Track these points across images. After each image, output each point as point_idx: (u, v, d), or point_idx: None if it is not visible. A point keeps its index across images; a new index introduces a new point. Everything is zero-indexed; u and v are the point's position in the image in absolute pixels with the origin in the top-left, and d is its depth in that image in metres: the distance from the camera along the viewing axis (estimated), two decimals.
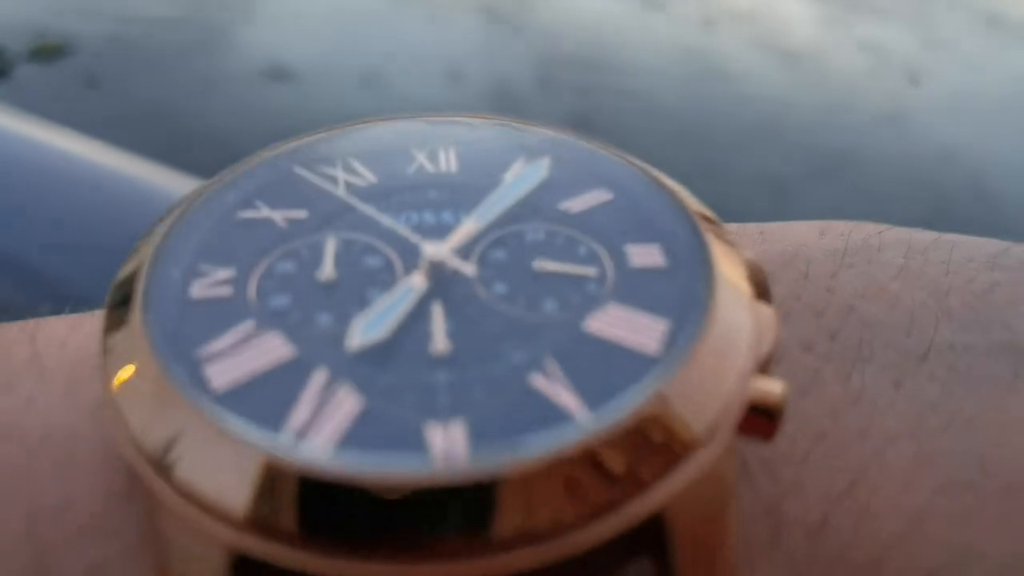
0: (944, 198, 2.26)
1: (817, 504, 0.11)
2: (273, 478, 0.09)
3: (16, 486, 0.11)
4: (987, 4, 4.56)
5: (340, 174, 0.12)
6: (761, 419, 0.10)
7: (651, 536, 0.10)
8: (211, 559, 0.09)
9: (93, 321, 0.13)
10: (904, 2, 4.36)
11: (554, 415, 0.09)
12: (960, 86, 3.22)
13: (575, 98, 2.53)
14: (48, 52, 2.46)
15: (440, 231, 0.11)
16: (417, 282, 0.11)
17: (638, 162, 0.15)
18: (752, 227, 0.17)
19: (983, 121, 2.89)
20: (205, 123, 2.13)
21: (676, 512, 0.10)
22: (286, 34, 2.80)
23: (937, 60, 3.48)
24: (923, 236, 0.16)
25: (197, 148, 1.96)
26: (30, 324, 0.13)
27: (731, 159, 2.23)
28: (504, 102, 2.43)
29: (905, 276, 0.14)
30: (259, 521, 0.09)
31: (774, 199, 2.08)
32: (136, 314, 0.10)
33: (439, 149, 0.13)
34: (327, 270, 0.11)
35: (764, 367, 0.11)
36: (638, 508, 0.09)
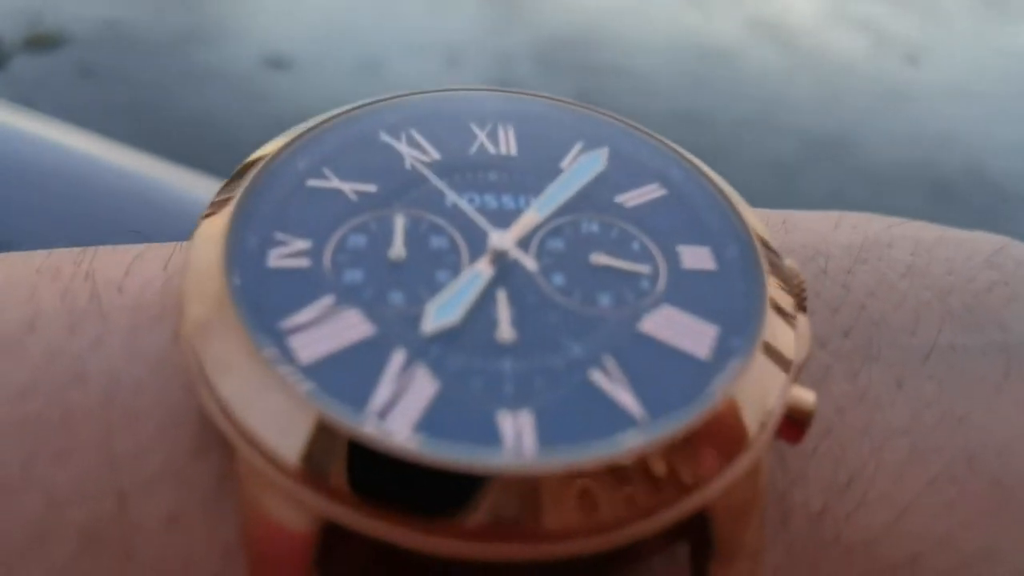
0: (943, 180, 2.26)
1: (819, 493, 0.13)
2: (358, 456, 0.09)
3: (95, 430, 0.11)
4: None
5: (404, 147, 0.13)
6: (793, 425, 0.11)
7: (691, 525, 0.11)
8: (300, 522, 0.10)
9: (144, 267, 0.13)
10: None
11: (615, 415, 0.10)
12: (959, 66, 3.21)
13: (573, 80, 2.52)
14: (43, 42, 2.45)
15: (502, 216, 0.12)
16: (483, 268, 0.11)
17: (691, 157, 0.15)
18: (775, 216, 0.17)
19: (982, 102, 2.88)
20: (203, 113, 2.12)
21: (718, 507, 0.10)
22: (283, 22, 2.78)
23: (936, 40, 3.47)
24: (929, 232, 0.17)
25: (195, 138, 1.96)
26: (84, 258, 0.13)
27: (730, 141, 2.23)
28: (503, 86, 2.40)
29: (912, 275, 0.15)
30: (343, 493, 0.09)
31: (774, 182, 2.08)
32: (219, 280, 0.10)
33: (499, 127, 0.14)
34: (397, 248, 0.11)
35: (797, 374, 0.12)
36: (685, 507, 0.10)
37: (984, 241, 0.17)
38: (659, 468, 0.10)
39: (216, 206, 0.12)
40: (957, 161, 2.37)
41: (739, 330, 0.11)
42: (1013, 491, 0.13)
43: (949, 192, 2.22)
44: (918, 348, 0.14)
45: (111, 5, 2.80)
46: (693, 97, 2.50)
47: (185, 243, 0.14)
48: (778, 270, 0.12)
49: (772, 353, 0.11)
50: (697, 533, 0.11)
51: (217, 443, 0.11)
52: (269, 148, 0.13)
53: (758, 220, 0.14)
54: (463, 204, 0.12)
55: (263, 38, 2.61)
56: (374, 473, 0.09)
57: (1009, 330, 0.14)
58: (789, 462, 0.13)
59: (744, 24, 3.37)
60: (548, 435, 0.10)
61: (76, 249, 0.14)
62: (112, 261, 0.13)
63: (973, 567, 0.13)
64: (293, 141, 0.13)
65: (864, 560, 0.12)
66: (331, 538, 0.10)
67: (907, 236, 0.16)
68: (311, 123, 0.13)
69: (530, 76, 2.51)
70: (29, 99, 2.09)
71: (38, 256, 0.13)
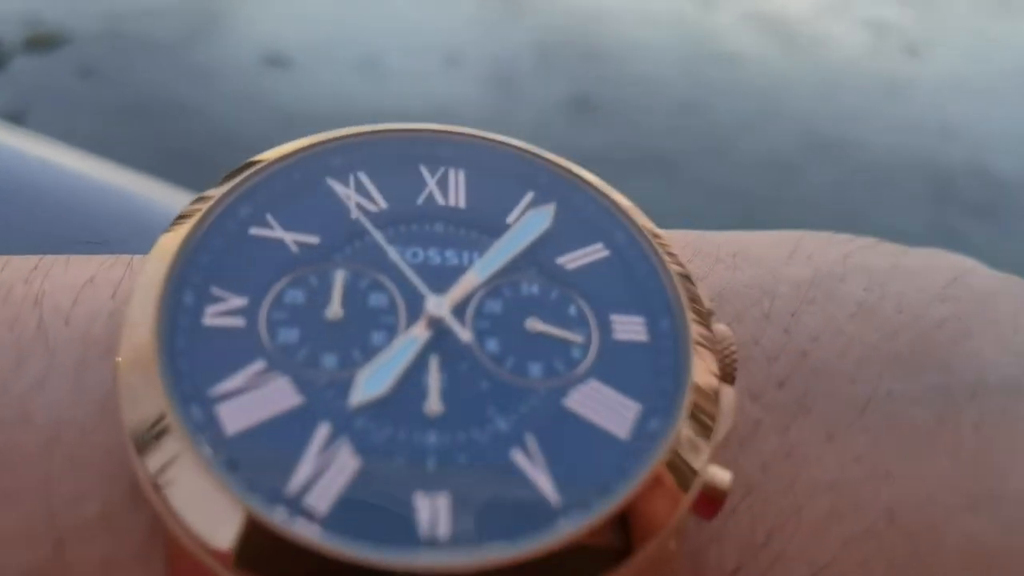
0: (944, 174, 2.25)
1: (735, 552, 0.13)
2: (267, 539, 0.10)
3: (37, 473, 0.11)
4: None
5: (352, 193, 0.13)
6: (708, 502, 0.11)
7: None
8: None
9: (94, 294, 0.13)
10: None
11: (532, 502, 0.10)
12: (960, 60, 3.20)
13: (574, 80, 2.51)
14: (43, 42, 2.45)
15: (444, 275, 0.12)
16: (419, 333, 0.11)
17: (636, 214, 0.15)
18: (729, 246, 0.16)
19: (983, 95, 2.88)
20: (202, 112, 2.12)
21: None
22: (282, 20, 2.78)
23: (936, 33, 3.46)
24: (884, 260, 0.16)
25: (194, 137, 1.96)
26: (36, 277, 0.13)
27: (732, 138, 2.22)
28: (503, 85, 2.41)
29: (861, 314, 0.15)
30: (246, 568, 0.10)
31: (776, 178, 2.08)
32: (151, 341, 0.10)
33: (450, 173, 0.13)
34: (335, 307, 0.11)
35: (716, 452, 0.12)
36: None
37: (941, 269, 0.17)
38: (571, 556, 0.10)
39: (160, 248, 0.12)
40: (958, 155, 2.36)
41: (660, 411, 0.11)
42: (930, 544, 0.13)
43: (950, 187, 2.21)
44: (855, 398, 0.14)
45: (111, 4, 2.80)
46: (693, 93, 2.50)
47: (136, 261, 0.13)
48: (708, 343, 0.12)
49: (691, 433, 0.11)
50: None
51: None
52: (217, 190, 0.13)
53: (697, 275, 0.14)
54: (405, 259, 0.12)
55: (263, 37, 2.61)
56: (292, 565, 0.09)
57: (952, 372, 0.14)
58: (705, 520, 0.13)
59: (744, 20, 3.36)
60: (463, 526, 0.10)
61: (30, 262, 0.13)
62: (62, 284, 0.13)
63: None
64: (240, 184, 0.13)
65: None
66: None
67: (861, 267, 0.16)
68: (261, 162, 0.13)
69: (530, 74, 2.50)
70: (28, 101, 2.09)
71: None
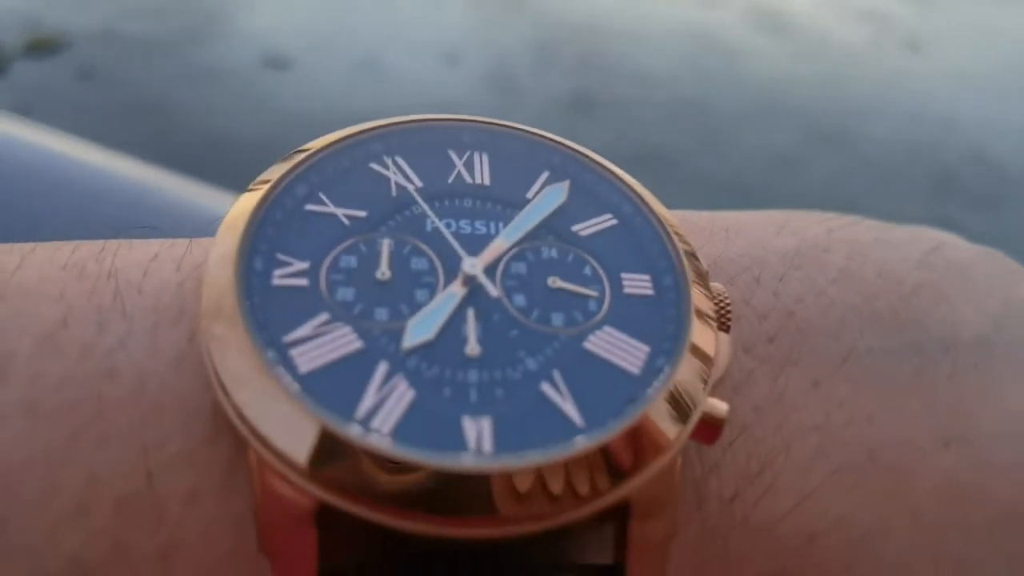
0: (946, 166, 2.25)
1: (732, 481, 0.14)
2: (349, 456, 0.12)
3: (127, 419, 0.13)
4: None
5: (391, 175, 0.15)
6: (708, 429, 0.13)
7: (615, 510, 0.13)
8: (303, 501, 0.12)
9: (160, 268, 0.14)
10: None
11: (561, 423, 0.12)
12: (960, 52, 3.20)
13: (574, 76, 2.51)
14: (43, 46, 2.45)
15: (475, 242, 0.14)
16: (456, 290, 0.13)
17: (643, 191, 0.17)
18: (723, 221, 0.18)
19: (984, 87, 2.87)
20: (203, 113, 2.12)
21: (639, 495, 0.13)
22: (282, 21, 2.78)
23: (936, 27, 3.45)
24: (868, 234, 0.18)
25: (196, 138, 1.96)
26: (106, 256, 0.14)
27: (734, 133, 2.22)
28: (502, 83, 2.41)
29: (843, 279, 0.16)
30: (337, 484, 0.12)
31: (778, 172, 2.08)
32: (232, 299, 0.12)
33: (475, 156, 0.15)
34: (383, 269, 0.13)
35: (715, 387, 0.14)
36: (614, 497, 0.12)
37: (921, 240, 0.19)
38: (593, 467, 0.12)
39: (230, 222, 0.14)
40: (959, 146, 2.36)
41: (666, 351, 0.13)
42: (907, 476, 0.15)
43: (952, 177, 2.21)
44: (837, 352, 0.15)
45: (110, 7, 2.81)
46: (694, 88, 2.49)
47: (193, 243, 0.15)
48: (704, 296, 0.14)
49: (692, 370, 0.13)
50: (621, 518, 0.13)
51: (227, 432, 0.13)
52: (274, 172, 0.15)
53: (694, 246, 0.16)
54: (441, 229, 0.14)
55: (262, 38, 2.61)
56: (360, 469, 0.11)
57: (927, 330, 0.16)
58: (707, 453, 0.14)
59: (744, 14, 3.36)
60: (504, 439, 0.12)
61: (97, 245, 0.15)
62: (131, 261, 0.14)
63: (864, 542, 0.14)
64: (294, 168, 0.15)
65: (767, 539, 0.14)
66: (329, 512, 0.12)
67: (845, 240, 0.18)
68: (310, 149, 0.15)
69: (529, 71, 2.50)
70: (30, 104, 2.09)
71: (64, 251, 0.14)
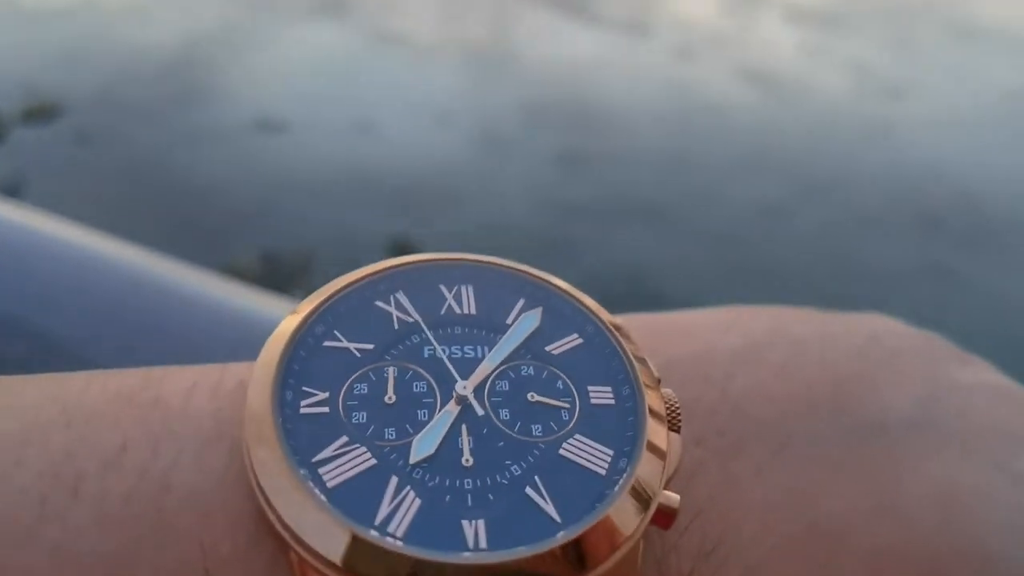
0: (933, 211, 2.28)
1: (688, 559, 0.16)
2: (373, 555, 0.14)
3: (184, 526, 0.15)
4: (958, 16, 4.66)
5: (393, 310, 0.17)
6: (664, 517, 0.15)
7: None
8: None
9: (199, 396, 0.17)
10: (879, 20, 4.45)
11: (542, 521, 0.15)
12: (941, 100, 3.26)
13: (562, 134, 2.55)
14: (40, 113, 2.49)
15: (465, 364, 0.16)
16: (452, 408, 0.16)
17: (603, 313, 0.19)
18: (676, 324, 0.21)
19: (966, 133, 2.93)
20: (198, 176, 2.15)
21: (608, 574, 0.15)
22: (276, 85, 2.83)
23: (916, 75, 3.54)
24: (809, 330, 0.20)
25: (191, 200, 1.97)
26: (150, 385, 0.17)
27: (721, 186, 2.24)
28: (493, 143, 2.44)
29: (784, 374, 0.18)
30: (352, 570, 0.14)
31: (768, 222, 2.10)
32: (269, 428, 0.15)
33: (462, 289, 0.18)
34: (390, 394, 0.16)
35: (668, 481, 0.16)
36: None
37: (859, 331, 0.21)
38: (571, 557, 0.14)
39: (264, 362, 0.16)
40: (945, 192, 2.39)
41: (626, 452, 0.16)
42: (841, 544, 0.17)
43: (939, 223, 2.24)
44: (779, 440, 0.17)
45: (107, 73, 2.86)
46: (681, 143, 2.53)
47: (225, 371, 0.18)
48: (657, 402, 0.17)
49: (649, 466, 0.15)
50: None
51: (269, 536, 0.15)
52: (297, 317, 0.17)
53: (653, 348, 0.18)
54: (437, 355, 0.17)
55: (256, 101, 2.66)
56: (383, 566, 0.14)
57: (860, 417, 0.18)
58: (667, 535, 0.16)
59: (727, 70, 3.44)
60: (496, 538, 0.14)
61: (140, 373, 0.17)
62: (173, 389, 0.17)
63: None
64: (314, 310, 0.17)
65: None
66: None
67: (787, 337, 0.20)
68: (326, 292, 0.18)
69: (518, 130, 2.54)
70: (27, 170, 2.11)
71: (113, 381, 0.17)
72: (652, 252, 1.93)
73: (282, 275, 1.74)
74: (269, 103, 2.59)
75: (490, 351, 0.17)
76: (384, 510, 0.14)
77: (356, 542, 0.14)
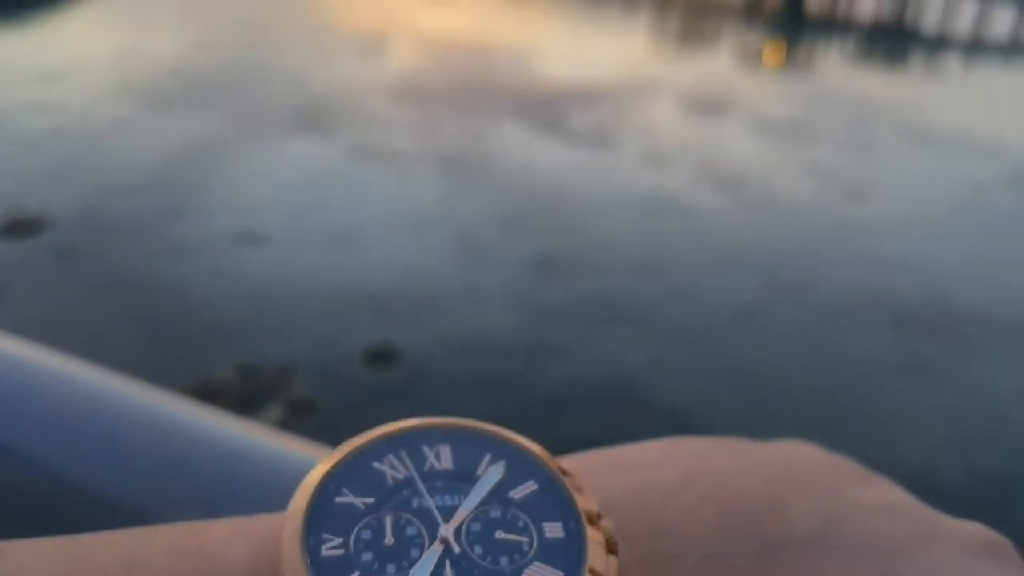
0: (905, 309, 2.33)
1: None
2: None
3: None
4: (914, 123, 4.90)
5: (387, 469, 0.22)
6: None
7: None
8: None
9: (237, 550, 0.20)
10: (838, 127, 4.67)
11: None
12: (903, 200, 3.40)
13: (538, 240, 2.60)
14: (22, 227, 2.52)
15: (446, 511, 0.21)
16: (436, 547, 0.20)
17: (553, 461, 0.23)
18: (617, 458, 0.24)
19: (930, 230, 3.03)
20: (179, 290, 2.15)
21: None
22: (256, 198, 2.89)
23: (876, 176, 3.69)
24: (730, 462, 0.24)
25: (170, 314, 1.97)
26: (192, 536, 0.19)
27: (697, 287, 2.28)
28: (471, 250, 2.48)
29: (707, 503, 0.22)
30: None
31: (744, 325, 2.13)
32: (301, 567, 0.18)
33: (440, 449, 0.23)
34: (388, 538, 0.20)
35: None
36: None
37: (775, 460, 0.24)
38: None
39: (291, 516, 0.20)
40: (916, 289, 2.45)
41: (575, 573, 0.19)
42: None
43: (913, 318, 2.28)
44: (700, 559, 0.21)
45: (89, 188, 2.91)
46: (653, 248, 2.59)
47: (255, 523, 0.21)
48: (598, 531, 0.20)
49: None
50: None
51: None
52: (315, 475, 0.21)
53: (596, 483, 0.22)
54: (424, 505, 0.21)
55: (238, 215, 2.70)
56: None
57: (768, 535, 0.21)
58: None
59: (694, 175, 3.57)
60: None
61: (182, 527, 0.20)
62: (213, 540, 0.20)
63: None
64: (327, 472, 0.22)
65: None
66: None
67: (710, 469, 0.23)
68: (334, 458, 0.22)
69: (496, 238, 2.59)
70: (7, 283, 2.12)
71: (159, 536, 0.20)
72: (634, 356, 1.94)
73: (260, 389, 1.72)
74: (251, 216, 2.64)
75: (465, 499, 0.21)
76: None
77: None
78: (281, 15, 9.40)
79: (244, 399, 1.65)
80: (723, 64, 7.09)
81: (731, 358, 1.96)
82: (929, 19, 14.96)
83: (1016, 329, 2.25)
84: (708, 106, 5.07)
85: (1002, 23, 14.69)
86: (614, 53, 7.31)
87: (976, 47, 9.96)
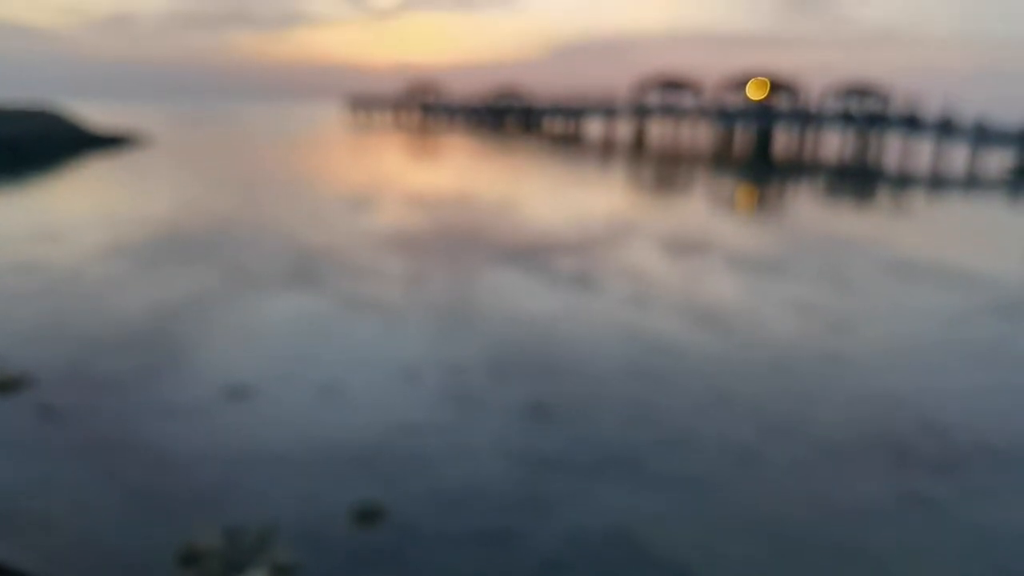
0: (900, 441, 2.30)
1: None
2: None
3: None
4: (889, 256, 5.03)
5: None
6: None
7: None
8: None
9: None
10: (815, 263, 4.78)
11: None
12: (886, 331, 3.43)
13: (529, 385, 2.59)
14: (3, 386, 2.48)
15: None
16: None
17: None
18: None
19: (916, 361, 3.04)
20: (163, 450, 2.10)
21: None
22: (244, 351, 2.88)
23: (859, 310, 3.75)
24: None
25: (154, 477, 1.91)
26: None
27: (689, 430, 2.25)
28: (461, 398, 2.43)
29: None
30: None
31: (742, 468, 2.08)
32: None
33: None
34: None
35: None
36: None
37: None
38: None
39: None
40: (907, 419, 2.43)
41: None
42: None
43: (907, 449, 2.25)
44: None
45: (75, 345, 2.89)
46: (644, 391, 2.56)
47: None
48: None
49: None
50: None
51: None
52: None
53: None
54: None
55: (226, 368, 2.68)
56: None
57: None
58: None
59: (679, 313, 3.62)
60: None
61: None
62: None
63: None
64: None
65: None
66: None
67: None
68: None
69: (486, 384, 2.64)
70: None
71: None
72: (633, 508, 1.88)
73: (243, 553, 1.64)
74: (237, 370, 2.62)
75: None
76: None
77: None
78: (273, 174, 9.74)
79: (228, 564, 1.57)
80: (698, 209, 7.37)
81: (731, 506, 1.91)
82: (890, 158, 15.71)
83: (1016, 459, 2.22)
84: (687, 249, 5.22)
85: (958, 160, 15.42)
86: (594, 202, 7.60)
87: (936, 183, 10.46)
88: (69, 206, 6.65)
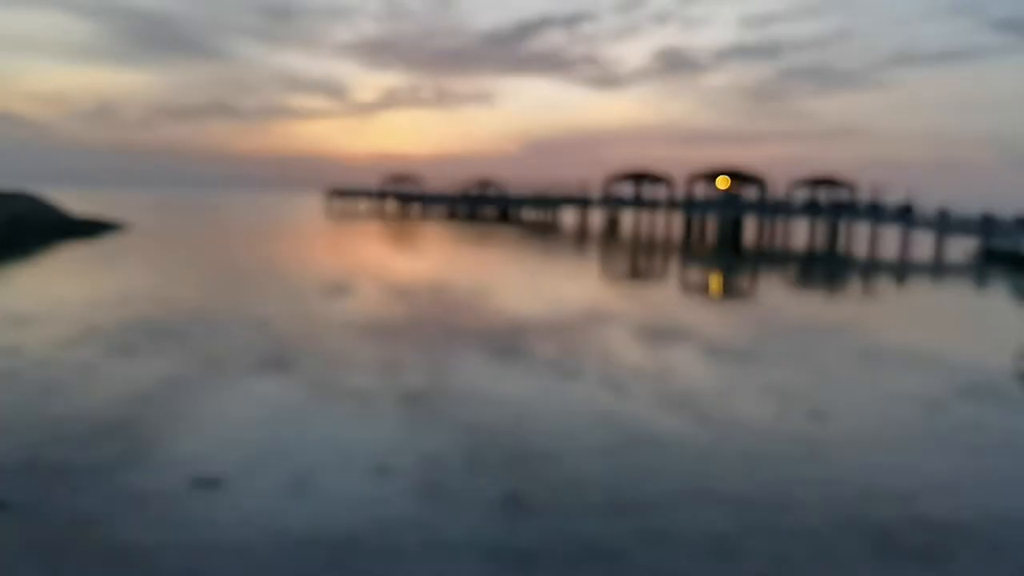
0: (882, 528, 2.27)
1: None
2: None
3: None
4: (861, 343, 5.09)
5: None
6: None
7: None
8: None
9: None
10: (788, 351, 4.82)
11: None
12: (862, 417, 3.44)
13: (504, 477, 2.52)
14: None
15: None
16: None
17: None
18: None
19: (893, 446, 3.04)
20: (125, 544, 2.00)
21: None
22: (212, 441, 2.80)
23: (834, 397, 3.75)
24: None
25: (121, 570, 1.81)
26: None
27: (669, 521, 2.19)
28: (434, 491, 2.44)
29: None
30: None
31: (722, 563, 2.02)
32: None
33: None
34: None
35: None
36: None
37: None
38: None
39: None
40: (890, 508, 2.40)
41: None
42: None
43: (890, 538, 2.21)
44: None
45: (34, 434, 2.80)
46: (622, 480, 2.50)
47: None
48: None
49: None
50: None
51: None
52: None
53: None
54: None
55: (193, 457, 2.60)
56: None
57: None
58: None
59: (656, 402, 3.60)
60: None
61: None
62: None
63: None
64: None
65: None
66: None
67: None
68: None
69: (460, 476, 2.57)
70: None
71: None
72: None
73: None
74: (207, 460, 2.58)
75: None
76: None
77: None
78: (248, 262, 9.74)
79: None
80: (671, 296, 7.46)
81: None
82: (858, 245, 16.09)
83: (1001, 546, 2.19)
84: (662, 335, 5.25)
85: (924, 246, 15.80)
86: (569, 288, 7.67)
87: (904, 268, 10.74)
88: (41, 292, 6.58)
